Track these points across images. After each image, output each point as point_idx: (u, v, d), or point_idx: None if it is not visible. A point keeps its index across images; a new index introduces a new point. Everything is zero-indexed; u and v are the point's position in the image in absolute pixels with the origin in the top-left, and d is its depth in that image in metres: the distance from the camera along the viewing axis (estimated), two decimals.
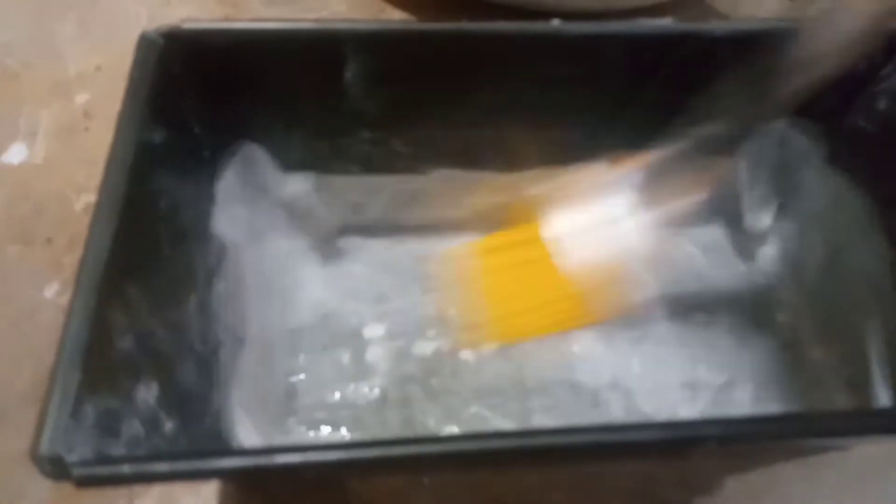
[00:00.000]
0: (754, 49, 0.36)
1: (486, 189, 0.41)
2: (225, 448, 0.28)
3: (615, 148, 0.40)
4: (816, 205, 0.40)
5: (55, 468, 0.21)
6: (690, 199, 0.38)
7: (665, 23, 0.34)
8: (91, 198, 0.45)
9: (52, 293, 0.40)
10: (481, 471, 0.35)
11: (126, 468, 0.21)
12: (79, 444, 0.22)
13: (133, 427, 0.25)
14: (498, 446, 0.22)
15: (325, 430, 0.36)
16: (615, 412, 0.37)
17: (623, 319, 0.40)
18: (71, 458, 0.21)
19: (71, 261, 0.42)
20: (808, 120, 0.39)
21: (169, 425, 0.28)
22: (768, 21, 0.36)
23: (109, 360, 0.24)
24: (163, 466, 0.21)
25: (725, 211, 0.43)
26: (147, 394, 0.26)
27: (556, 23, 0.33)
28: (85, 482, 0.20)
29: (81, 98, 0.50)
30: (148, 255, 0.28)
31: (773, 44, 0.35)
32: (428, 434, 0.35)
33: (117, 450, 0.24)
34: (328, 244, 0.42)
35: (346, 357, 0.39)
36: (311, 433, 0.36)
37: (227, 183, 0.35)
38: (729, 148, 0.41)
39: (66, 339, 0.23)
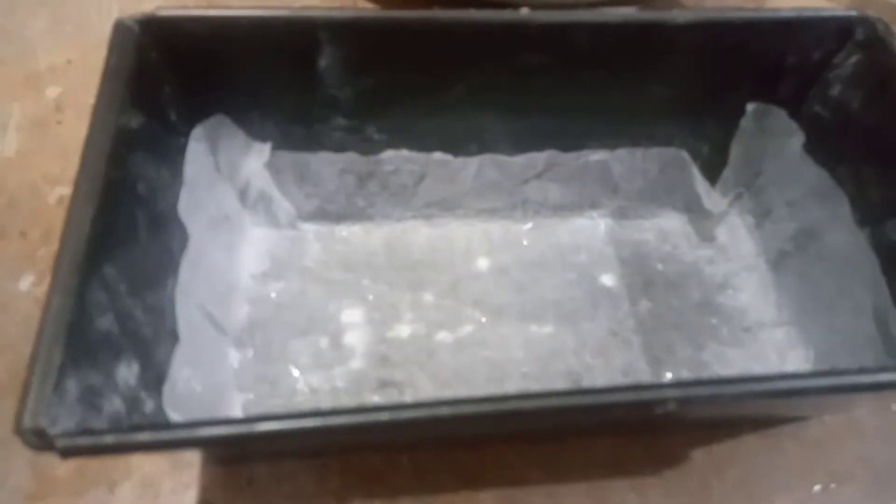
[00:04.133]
0: (717, 38, 0.37)
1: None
2: (205, 419, 0.28)
3: (588, 135, 0.42)
4: (783, 188, 0.42)
5: (39, 440, 0.21)
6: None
7: (629, 12, 0.35)
8: (65, 190, 0.46)
9: (27, 285, 0.40)
10: (458, 446, 0.36)
11: (109, 438, 0.21)
12: (62, 417, 0.22)
13: (114, 404, 0.26)
14: (468, 411, 0.23)
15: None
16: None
17: (591, 305, 0.42)
18: (54, 430, 0.21)
19: (45, 253, 0.42)
20: (773, 106, 0.40)
21: (150, 405, 0.28)
22: (731, 11, 0.37)
23: (90, 338, 0.25)
24: (145, 436, 0.21)
25: (685, 196, 0.44)
26: (128, 373, 0.27)
27: (524, 11, 0.34)
28: (68, 452, 0.21)
29: (53, 91, 0.50)
30: (126, 237, 0.29)
31: (735, 33, 0.36)
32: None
33: (99, 424, 0.24)
34: (299, 229, 0.43)
35: (323, 342, 0.39)
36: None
37: (197, 165, 0.36)
38: (691, 133, 0.43)
39: (47, 316, 0.23)
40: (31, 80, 0.51)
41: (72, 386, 0.23)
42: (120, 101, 0.30)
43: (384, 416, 0.23)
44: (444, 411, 0.23)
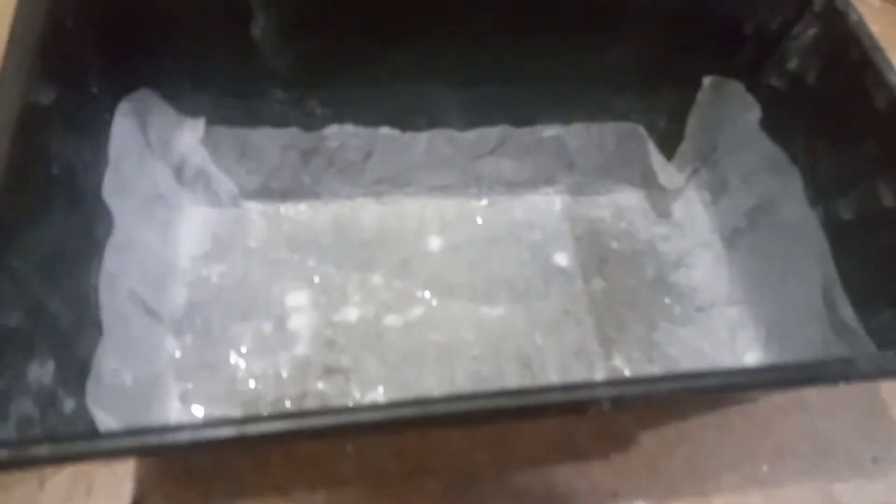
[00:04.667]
0: (676, 2, 0.36)
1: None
2: (124, 428, 0.27)
3: (541, 107, 0.40)
4: (739, 162, 0.41)
5: None
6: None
7: None
8: None
9: None
10: (404, 434, 0.35)
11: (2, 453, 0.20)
12: None
13: (24, 408, 0.24)
14: (391, 416, 0.22)
15: (252, 396, 0.35)
16: (540, 376, 0.38)
17: (543, 283, 0.41)
18: None
19: None
20: (731, 79, 0.39)
21: (69, 404, 0.27)
22: None
23: None
24: (42, 450, 0.19)
25: (642, 171, 0.43)
26: (41, 371, 0.25)
27: None
28: None
29: None
30: (39, 224, 0.27)
31: None
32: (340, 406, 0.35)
33: (5, 432, 0.23)
34: (242, 207, 0.41)
35: (267, 326, 0.38)
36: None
37: (124, 142, 0.33)
38: (647, 107, 0.41)
39: None
40: None
41: None
42: (29, 73, 0.27)
43: (317, 422, 0.21)
44: (366, 417, 0.22)
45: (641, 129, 0.42)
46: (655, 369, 0.39)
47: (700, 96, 0.40)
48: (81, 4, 0.30)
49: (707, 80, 0.40)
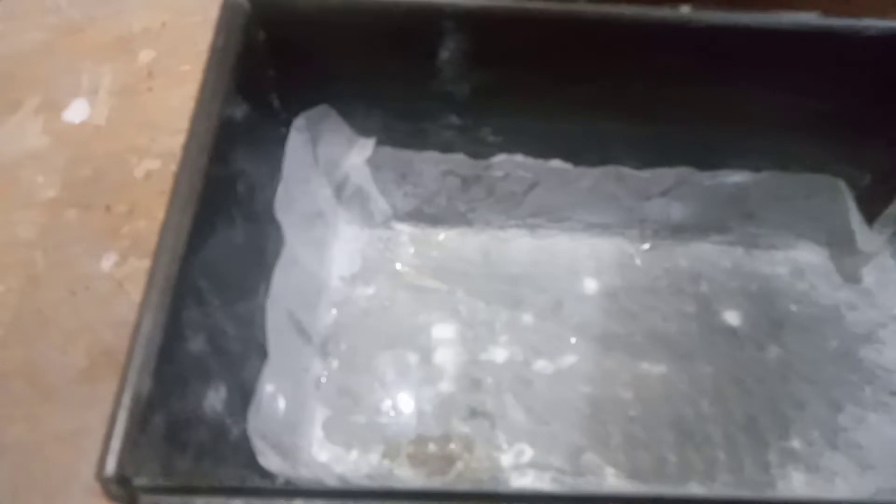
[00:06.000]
0: None
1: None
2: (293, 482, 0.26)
3: (727, 153, 0.36)
4: None
5: (121, 490, 0.18)
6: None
7: (810, 17, 0.30)
8: (152, 164, 0.44)
9: (109, 264, 0.38)
10: None
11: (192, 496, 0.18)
12: (146, 460, 0.20)
13: (200, 435, 0.23)
14: None
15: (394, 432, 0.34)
16: (703, 448, 0.34)
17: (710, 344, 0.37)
18: (139, 480, 0.19)
19: (129, 230, 0.40)
20: None
21: (234, 431, 0.26)
22: None
23: (182, 365, 0.22)
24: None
25: (831, 229, 0.39)
26: (216, 398, 0.24)
27: (685, 9, 0.29)
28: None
29: (146, 56, 0.48)
30: (222, 244, 0.26)
31: None
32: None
33: (184, 463, 0.22)
34: (393, 229, 0.39)
35: (412, 357, 0.36)
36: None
37: (295, 158, 0.33)
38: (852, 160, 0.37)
39: (136, 343, 0.20)
40: (123, 42, 0.49)
41: (158, 423, 0.21)
42: (226, 88, 0.27)
43: None
44: None
45: (842, 184, 0.37)
46: (840, 458, 0.34)
47: None
48: (276, 20, 0.30)
49: None
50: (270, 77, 0.31)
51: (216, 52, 0.27)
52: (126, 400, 0.19)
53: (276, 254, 0.30)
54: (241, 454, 0.26)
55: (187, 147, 0.24)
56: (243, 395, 0.27)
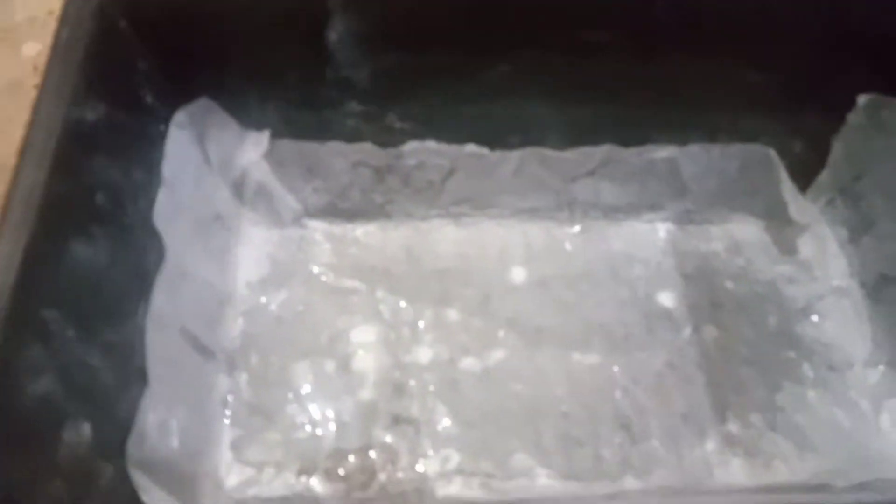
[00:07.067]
0: (834, 14, 0.29)
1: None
2: None
3: (655, 127, 0.34)
4: (893, 197, 0.34)
5: None
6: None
7: None
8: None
9: None
10: None
11: None
12: None
13: (58, 488, 0.20)
14: None
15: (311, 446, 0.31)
16: (641, 441, 0.32)
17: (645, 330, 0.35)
18: None
19: None
20: (892, 98, 0.32)
21: (108, 472, 0.23)
22: None
23: (19, 415, 0.19)
24: None
25: (766, 201, 0.37)
26: (76, 440, 0.21)
27: None
28: None
29: (31, 49, 0.43)
30: (77, 266, 0.23)
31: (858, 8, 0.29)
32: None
33: None
34: (305, 227, 0.37)
35: (329, 365, 0.34)
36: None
37: (179, 158, 0.29)
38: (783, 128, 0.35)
39: None
40: (5, 34, 0.44)
41: None
42: (72, 87, 0.23)
43: None
44: None
45: (772, 153, 0.35)
46: (779, 439, 0.33)
47: (851, 117, 0.34)
48: (137, 5, 0.26)
49: (862, 100, 0.33)
50: (139, 70, 0.28)
51: (59, 47, 0.23)
52: None
53: (157, 269, 0.27)
54: (119, 495, 0.23)
55: (21, 160, 0.21)
56: (121, 430, 0.24)
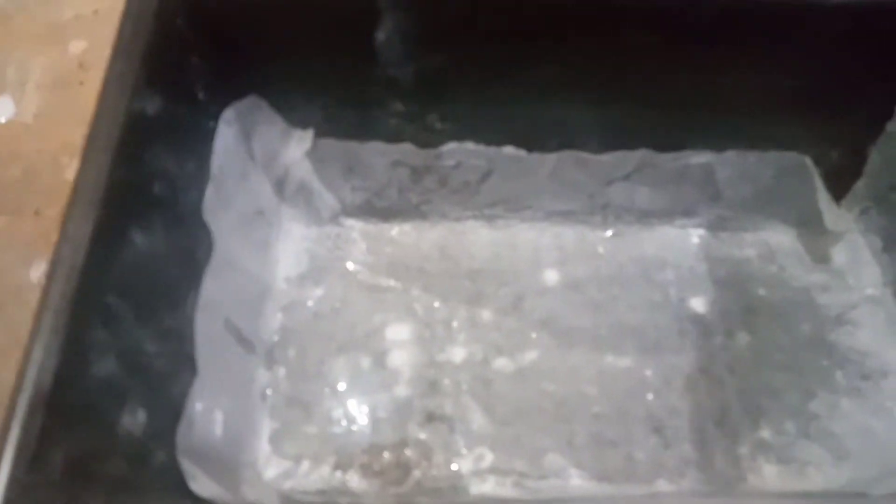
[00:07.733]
0: (874, 24, 0.30)
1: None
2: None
3: (691, 133, 0.35)
4: None
5: None
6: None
7: None
8: None
9: (39, 273, 0.36)
10: None
11: None
12: (43, 502, 0.18)
13: (113, 466, 0.21)
14: None
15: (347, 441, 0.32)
16: (673, 444, 0.32)
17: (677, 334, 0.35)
18: None
19: None
20: None
21: (160, 457, 0.23)
22: None
23: (85, 392, 0.20)
24: None
25: (800, 208, 0.37)
26: (133, 424, 0.22)
27: None
28: None
29: (77, 46, 0.44)
30: (139, 252, 0.24)
31: None
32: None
33: (94, 498, 0.20)
34: (342, 225, 0.37)
35: (365, 361, 0.34)
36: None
37: (227, 154, 0.30)
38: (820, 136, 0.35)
39: (25, 374, 0.18)
40: (53, 32, 0.45)
41: (57, 458, 0.18)
42: (134, 80, 0.24)
43: None
44: None
45: (808, 161, 0.35)
46: (813, 446, 0.33)
47: (890, 126, 0.34)
48: (194, 3, 0.27)
49: None
50: (193, 66, 0.28)
51: (122, 42, 0.24)
52: (10, 440, 0.17)
53: (207, 260, 0.28)
54: (169, 479, 0.24)
55: (87, 148, 0.22)
56: (172, 416, 0.25)
